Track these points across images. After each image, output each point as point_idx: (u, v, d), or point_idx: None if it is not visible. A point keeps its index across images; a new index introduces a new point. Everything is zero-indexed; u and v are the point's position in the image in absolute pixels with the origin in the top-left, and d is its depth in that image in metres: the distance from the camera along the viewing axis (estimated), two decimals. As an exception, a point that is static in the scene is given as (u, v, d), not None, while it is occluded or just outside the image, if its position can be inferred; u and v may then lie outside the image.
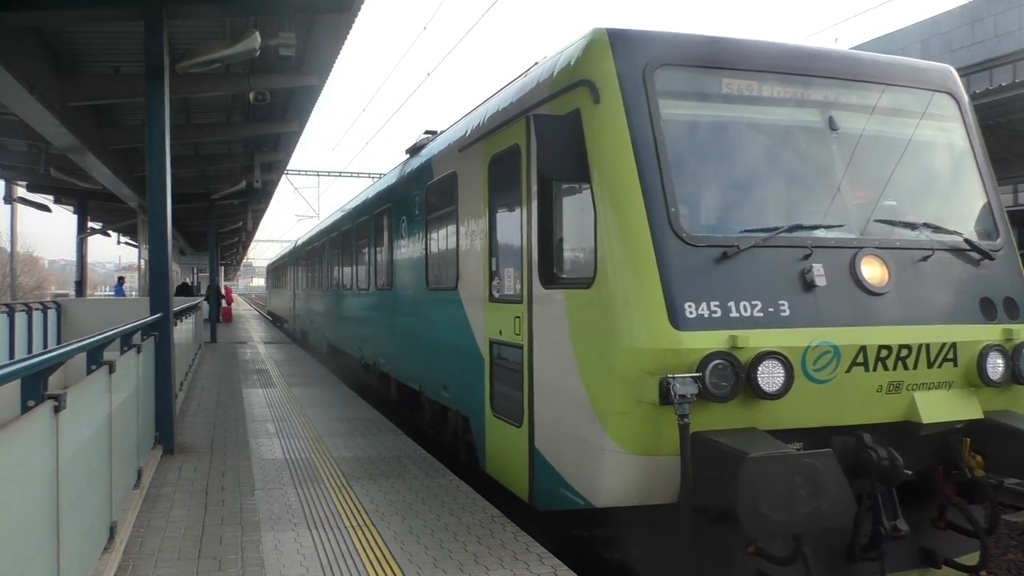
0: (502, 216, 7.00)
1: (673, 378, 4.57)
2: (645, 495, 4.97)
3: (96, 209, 24.77)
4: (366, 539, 5.61)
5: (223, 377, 15.73)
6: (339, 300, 17.09)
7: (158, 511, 6.27)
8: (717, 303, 4.91)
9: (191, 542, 5.52)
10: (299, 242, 27.97)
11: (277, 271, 39.60)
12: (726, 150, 5.60)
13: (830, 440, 5.00)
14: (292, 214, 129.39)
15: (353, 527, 5.88)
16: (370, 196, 13.71)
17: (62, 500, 3.70)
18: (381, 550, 5.37)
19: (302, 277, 25.49)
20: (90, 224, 25.55)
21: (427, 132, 10.58)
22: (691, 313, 4.84)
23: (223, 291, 38.59)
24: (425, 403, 9.91)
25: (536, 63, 6.80)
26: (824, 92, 5.72)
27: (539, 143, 5.40)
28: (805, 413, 4.97)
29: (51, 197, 23.06)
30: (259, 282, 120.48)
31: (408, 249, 10.41)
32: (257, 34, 9.40)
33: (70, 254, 29.97)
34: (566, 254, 6.03)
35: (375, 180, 16.45)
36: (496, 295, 7.02)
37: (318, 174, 46.17)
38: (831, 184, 5.61)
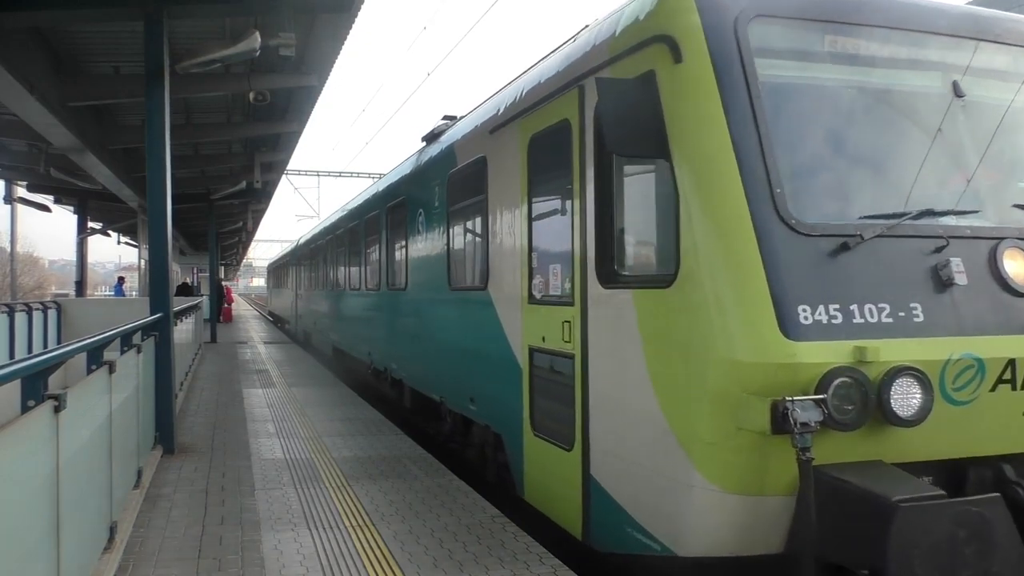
0: (545, 204, 6.21)
1: (792, 401, 3.72)
2: (744, 544, 4.15)
3: (96, 209, 24.78)
4: (366, 539, 5.60)
5: (223, 377, 15.72)
6: (346, 301, 16.16)
7: (158, 511, 6.27)
8: (837, 306, 4.05)
9: (191, 542, 5.52)
10: (302, 240, 27.08)
11: (279, 270, 38.69)
12: (835, 119, 4.69)
13: (966, 473, 4.22)
14: (292, 214, 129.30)
15: (353, 527, 5.87)
16: (380, 189, 12.77)
17: (62, 500, 3.70)
18: (381, 550, 5.37)
19: (305, 276, 24.46)
20: (90, 224, 25.56)
21: (446, 118, 9.84)
22: (806, 318, 4.00)
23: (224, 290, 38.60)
24: (446, 415, 9.13)
25: (586, 26, 5.93)
26: (947, 53, 4.81)
27: (603, 112, 4.56)
28: (938, 441, 4.14)
29: (51, 197, 23.07)
30: (259, 282, 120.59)
31: (426, 245, 9.49)
32: (257, 34, 9.40)
33: (70, 254, 30.03)
34: (634, 247, 5.20)
35: (380, 177, 15.71)
36: (537, 296, 6.18)
37: (318, 174, 46.22)
38: (960, 161, 4.70)
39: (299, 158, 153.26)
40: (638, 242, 5.22)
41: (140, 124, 14.71)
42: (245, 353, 21.52)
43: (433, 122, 10.45)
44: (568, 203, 5.63)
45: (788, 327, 3.96)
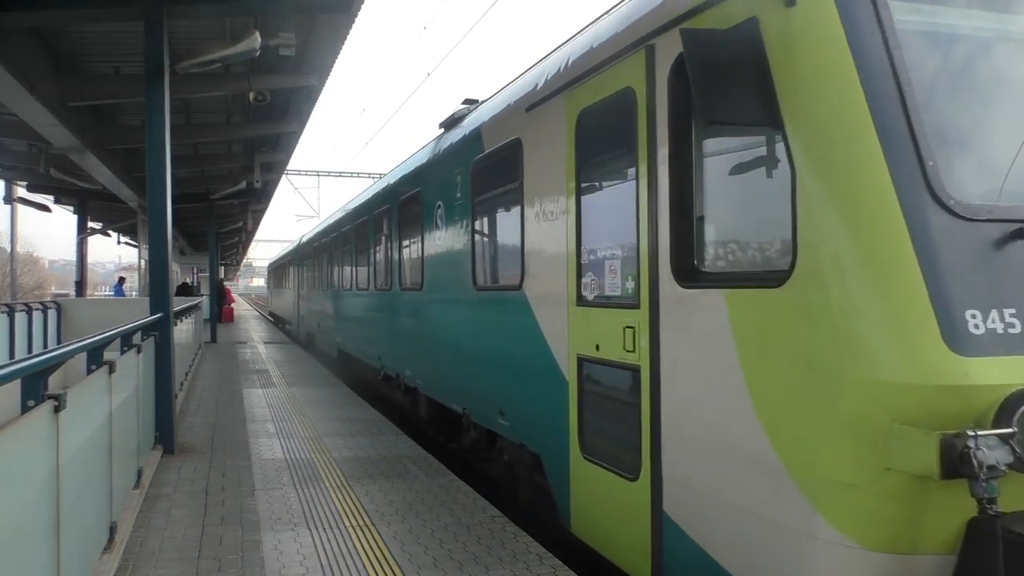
0: (598, 190, 5.43)
1: (976, 437, 2.90)
2: None
3: (96, 209, 24.77)
4: (366, 539, 5.60)
5: (223, 377, 15.72)
6: (353, 301, 15.18)
7: (158, 511, 6.27)
8: (1013, 311, 3.20)
9: (191, 542, 5.52)
10: (304, 239, 26.20)
11: (280, 270, 37.61)
12: (989, 78, 3.80)
13: None
14: (292, 214, 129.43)
15: (353, 527, 5.87)
16: (391, 182, 11.87)
17: (62, 500, 3.70)
18: (381, 550, 5.37)
19: (308, 276, 23.48)
20: (90, 224, 25.56)
21: (466, 102, 9.02)
22: (976, 327, 3.14)
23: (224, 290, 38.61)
24: (469, 427, 8.29)
25: None
26: None
27: (693, 70, 3.70)
28: None
29: (51, 197, 23.07)
30: (259, 282, 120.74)
31: (446, 241, 8.63)
32: (257, 34, 9.40)
33: (70, 254, 30.00)
34: (725, 238, 4.32)
35: (383, 174, 15.07)
36: (589, 297, 5.37)
37: (318, 174, 46.25)
38: None
39: (299, 158, 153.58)
40: (731, 232, 4.28)
41: (140, 124, 14.71)
42: (245, 353, 21.52)
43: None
44: (630, 187, 4.78)
45: (955, 338, 3.09)
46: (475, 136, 7.84)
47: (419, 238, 9.83)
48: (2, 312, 14.49)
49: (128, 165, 17.67)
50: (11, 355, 13.71)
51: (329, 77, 12.92)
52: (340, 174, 46.23)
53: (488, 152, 7.40)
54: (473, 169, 7.78)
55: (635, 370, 4.69)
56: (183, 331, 14.18)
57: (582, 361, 5.44)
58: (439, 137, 9.59)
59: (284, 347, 23.89)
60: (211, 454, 8.40)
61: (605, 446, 5.18)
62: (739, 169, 4.20)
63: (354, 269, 15.06)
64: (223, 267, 53.65)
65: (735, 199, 4.26)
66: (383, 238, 12.37)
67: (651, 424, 4.50)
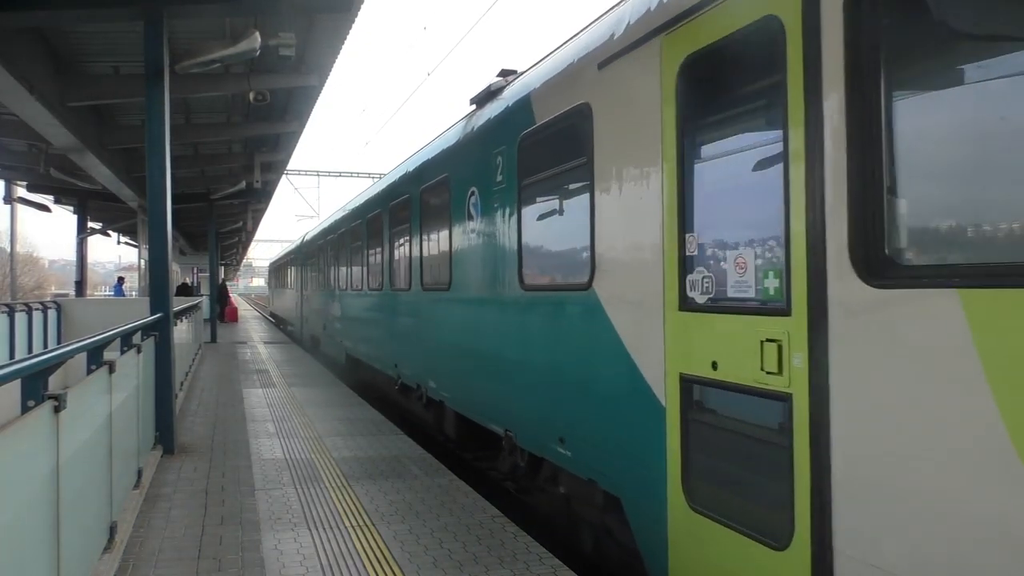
0: (715, 157, 4.36)
1: None
2: None
3: (96, 209, 24.78)
4: (366, 539, 5.60)
5: (223, 377, 15.72)
6: (364, 302, 13.84)
7: (158, 511, 6.27)
8: None
9: (191, 542, 5.52)
10: (308, 236, 24.73)
11: (282, 269, 35.90)
12: None
13: None
14: (292, 214, 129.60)
15: (353, 527, 5.87)
16: (411, 169, 10.55)
17: (62, 500, 3.70)
18: (381, 550, 5.37)
19: (312, 275, 22.15)
20: (90, 224, 25.56)
21: (503, 73, 7.94)
22: None
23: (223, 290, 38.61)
24: (512, 451, 7.02)
25: None
26: None
27: None
28: None
29: (51, 197, 23.08)
30: (259, 282, 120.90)
31: (481, 232, 7.48)
32: (257, 34, 9.41)
33: (70, 254, 30.02)
34: (954, 216, 3.12)
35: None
36: (698, 298, 4.21)
37: (318, 174, 46.34)
38: None
39: (299, 158, 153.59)
40: (963, 208, 3.06)
41: (140, 124, 14.73)
42: (245, 353, 21.52)
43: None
44: (772, 151, 3.71)
45: None
46: (522, 107, 6.63)
47: (445, 230, 8.61)
48: (2, 312, 14.50)
49: (128, 165, 17.69)
50: (11, 355, 13.71)
51: (329, 77, 12.94)
52: (340, 174, 46.35)
53: (541, 124, 6.21)
54: (520, 146, 6.58)
55: (783, 399, 3.56)
56: (183, 331, 14.18)
57: (688, 382, 4.27)
58: (470, 115, 8.36)
59: (284, 347, 23.89)
60: (211, 454, 8.40)
61: (728, 497, 4.03)
62: (974, 117, 2.93)
63: (365, 267, 13.77)
64: (223, 267, 53.65)
65: (967, 161, 3.04)
66: (400, 233, 11.11)
67: (813, 473, 3.38)
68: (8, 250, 35.81)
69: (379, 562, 5.14)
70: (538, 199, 6.47)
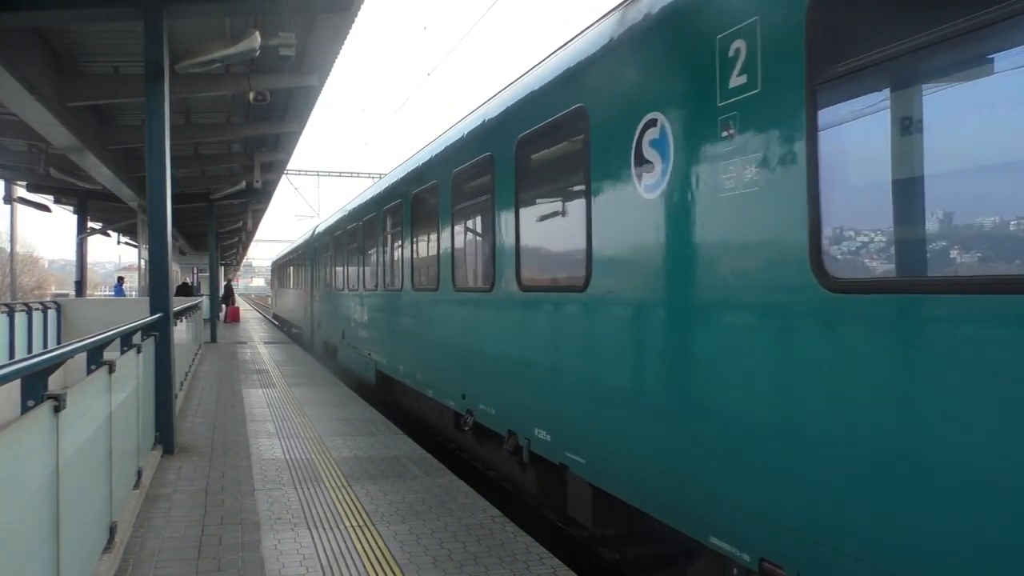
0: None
1: None
2: None
3: (96, 209, 24.81)
4: (366, 539, 5.60)
5: (223, 377, 15.72)
6: (409, 306, 10.62)
7: (158, 511, 6.27)
8: None
9: (191, 542, 5.52)
10: (321, 228, 21.17)
11: (288, 267, 32.70)
12: None
13: None
14: (292, 214, 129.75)
15: (353, 527, 5.87)
16: (492, 118, 7.39)
17: (62, 500, 3.70)
18: (381, 550, 5.37)
19: (328, 272, 18.91)
20: (90, 224, 25.58)
21: None
22: None
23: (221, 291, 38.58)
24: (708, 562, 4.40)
25: None
26: None
27: None
28: None
29: (51, 197, 23.10)
30: (259, 282, 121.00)
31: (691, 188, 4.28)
32: (257, 34, 9.41)
33: (70, 254, 30.03)
34: None
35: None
36: None
37: (318, 174, 46.40)
38: None
39: (299, 158, 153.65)
40: None
41: (140, 124, 14.73)
42: (245, 353, 21.52)
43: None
44: None
45: None
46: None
47: (582, 199, 5.48)
48: (2, 312, 14.50)
49: (128, 165, 17.70)
50: (11, 355, 13.72)
51: (329, 77, 12.95)
52: (340, 174, 46.43)
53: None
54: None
55: None
56: (183, 331, 14.18)
57: None
58: (614, 18, 5.32)
59: (284, 347, 23.89)
60: (211, 454, 8.40)
61: None
62: None
63: (407, 260, 10.63)
64: (223, 267, 53.64)
65: None
66: (470, 211, 8.31)
67: None
68: (8, 250, 35.83)
69: (379, 562, 5.14)
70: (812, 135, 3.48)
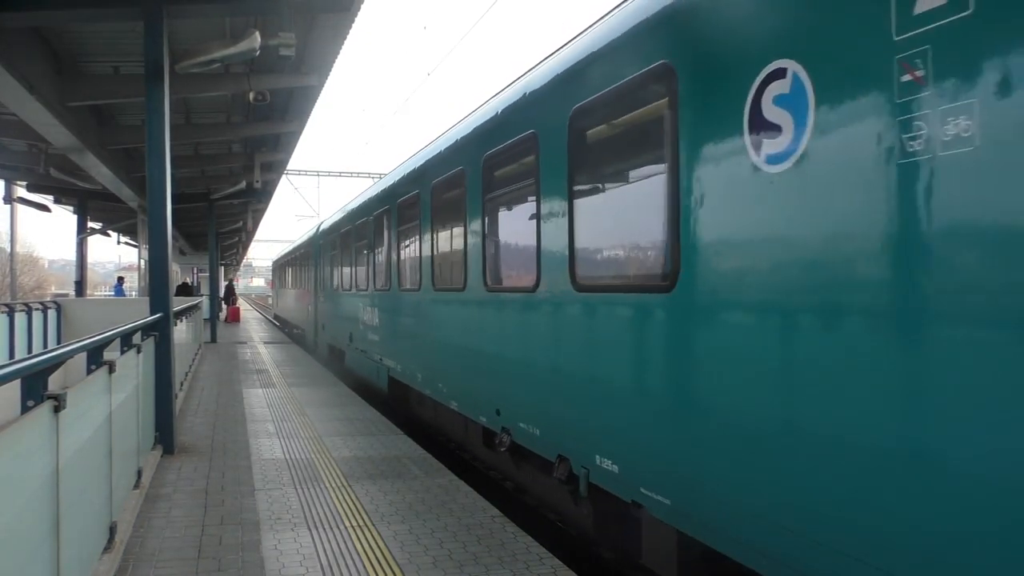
0: None
1: None
2: None
3: (96, 209, 24.80)
4: (366, 539, 5.60)
5: (223, 377, 15.72)
6: (427, 308, 9.62)
7: (158, 511, 6.26)
8: None
9: (191, 542, 5.52)
10: (326, 225, 19.91)
11: (289, 266, 31.42)
12: None
13: None
14: (292, 214, 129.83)
15: (353, 527, 5.87)
16: (539, 86, 6.35)
17: (62, 500, 3.70)
18: (381, 550, 5.37)
19: (334, 271, 17.74)
20: (90, 224, 25.57)
21: None
22: None
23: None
24: None
25: None
26: None
27: None
28: None
29: (51, 197, 23.10)
30: (258, 282, 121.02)
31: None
32: (257, 34, 9.41)
33: (70, 254, 30.03)
34: None
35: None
36: None
37: (318, 174, 46.42)
38: None
39: (299, 158, 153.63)
40: None
41: (140, 124, 14.73)
42: (245, 353, 21.52)
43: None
44: None
45: None
46: None
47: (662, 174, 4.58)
48: (2, 312, 14.51)
49: (128, 165, 17.70)
50: (11, 355, 13.72)
51: (329, 77, 12.95)
52: (340, 174, 46.45)
53: None
54: None
55: None
56: (183, 331, 14.18)
57: None
58: None
59: (284, 347, 23.89)
60: (211, 454, 8.40)
61: None
62: None
63: (427, 257, 9.66)
64: (223, 267, 53.63)
65: None
66: (514, 199, 7.20)
67: None
68: (8, 250, 35.82)
69: (379, 562, 5.14)
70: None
